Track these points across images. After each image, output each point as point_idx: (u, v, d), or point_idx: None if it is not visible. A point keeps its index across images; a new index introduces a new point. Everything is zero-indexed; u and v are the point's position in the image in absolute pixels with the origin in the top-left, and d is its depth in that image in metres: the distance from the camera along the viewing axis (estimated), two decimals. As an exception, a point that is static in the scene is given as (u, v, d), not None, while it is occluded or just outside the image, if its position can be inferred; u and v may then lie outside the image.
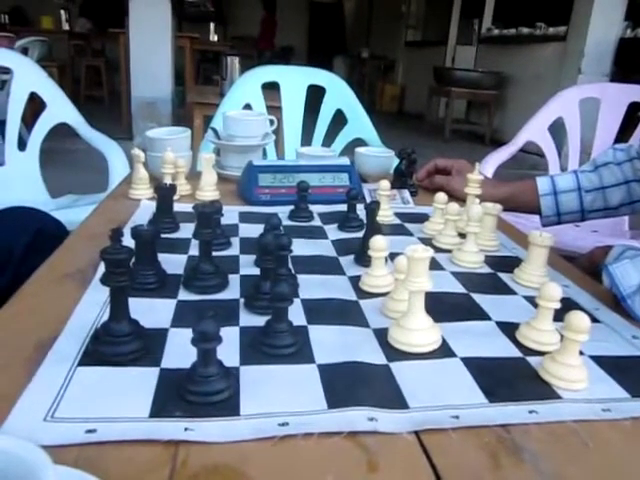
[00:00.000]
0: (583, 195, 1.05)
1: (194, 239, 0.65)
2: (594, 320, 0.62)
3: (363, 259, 0.73)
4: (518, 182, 1.10)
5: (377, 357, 0.52)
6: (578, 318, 0.48)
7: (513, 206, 1.07)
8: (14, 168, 1.73)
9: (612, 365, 0.53)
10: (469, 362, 0.52)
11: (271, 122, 1.25)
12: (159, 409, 0.42)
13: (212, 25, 7.72)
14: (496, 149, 1.90)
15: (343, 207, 0.91)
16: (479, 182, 0.91)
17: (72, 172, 3.14)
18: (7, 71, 1.77)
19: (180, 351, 0.49)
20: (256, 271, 0.63)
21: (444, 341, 0.55)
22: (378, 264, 0.66)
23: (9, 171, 1.73)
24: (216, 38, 7.76)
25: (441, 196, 0.89)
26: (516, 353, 0.55)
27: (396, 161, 1.18)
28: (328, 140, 1.69)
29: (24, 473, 0.26)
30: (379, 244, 0.65)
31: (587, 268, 0.81)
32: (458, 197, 1.01)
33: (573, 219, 1.08)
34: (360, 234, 0.78)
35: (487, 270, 0.76)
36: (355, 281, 0.69)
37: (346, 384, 0.47)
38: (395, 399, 0.46)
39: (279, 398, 0.45)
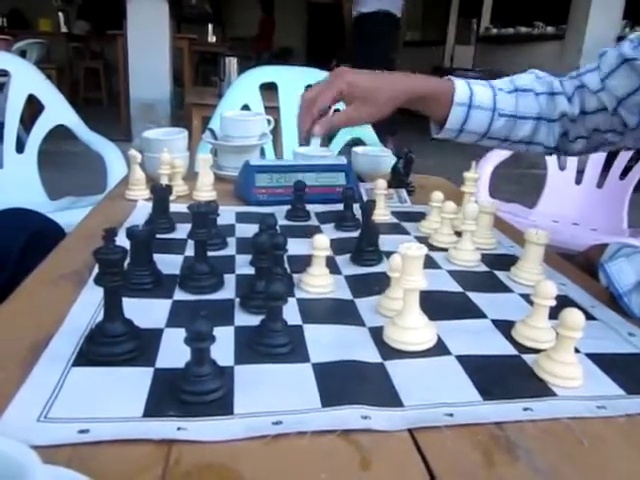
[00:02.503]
0: (495, 118, 0.88)
1: (190, 239, 0.65)
2: (590, 318, 0.62)
3: (359, 258, 0.74)
4: (435, 81, 0.88)
5: (372, 355, 0.52)
6: (573, 315, 0.48)
7: (419, 110, 0.90)
8: (12, 170, 1.73)
9: (608, 362, 0.53)
10: (464, 360, 0.52)
11: (268, 122, 1.25)
12: (153, 409, 0.42)
13: (210, 26, 7.71)
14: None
15: (340, 207, 0.91)
16: (475, 180, 0.91)
17: (70, 174, 3.14)
18: (5, 73, 1.77)
19: (175, 351, 0.49)
20: (252, 271, 0.63)
21: (439, 339, 0.55)
22: (319, 263, 0.66)
23: (7, 173, 1.73)
24: (214, 39, 7.76)
25: (438, 195, 0.89)
26: (511, 351, 0.55)
27: (393, 160, 1.18)
28: (326, 140, 1.69)
29: (13, 473, 0.26)
30: (320, 242, 0.64)
31: (584, 266, 0.81)
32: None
33: (468, 139, 0.92)
34: (356, 233, 0.78)
35: (483, 268, 0.76)
36: (351, 280, 0.69)
37: (341, 383, 0.47)
38: (390, 397, 0.46)
39: (273, 397, 0.45)
